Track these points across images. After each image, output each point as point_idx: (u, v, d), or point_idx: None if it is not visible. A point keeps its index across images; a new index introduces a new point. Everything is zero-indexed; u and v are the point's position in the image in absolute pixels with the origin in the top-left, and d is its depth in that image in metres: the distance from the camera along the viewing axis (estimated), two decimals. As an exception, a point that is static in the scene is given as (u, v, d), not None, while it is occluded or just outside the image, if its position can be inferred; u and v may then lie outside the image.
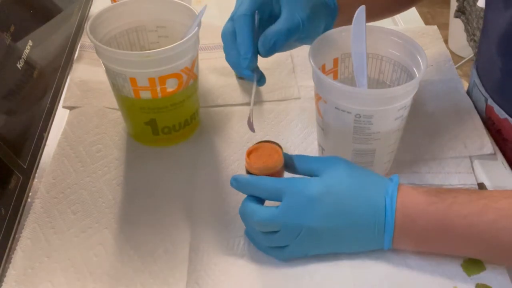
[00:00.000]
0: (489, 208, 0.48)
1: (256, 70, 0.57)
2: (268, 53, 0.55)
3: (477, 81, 0.71)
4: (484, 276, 0.51)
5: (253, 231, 0.53)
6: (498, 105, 0.67)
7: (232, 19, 0.56)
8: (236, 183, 0.53)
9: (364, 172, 0.53)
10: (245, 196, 0.53)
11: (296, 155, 0.54)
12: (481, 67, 0.72)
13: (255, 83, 0.56)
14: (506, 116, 0.66)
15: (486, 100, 0.69)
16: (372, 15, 0.62)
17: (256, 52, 0.55)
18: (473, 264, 0.52)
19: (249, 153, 0.54)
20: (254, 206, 0.51)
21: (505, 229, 0.47)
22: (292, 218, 0.50)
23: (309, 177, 0.52)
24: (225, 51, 0.57)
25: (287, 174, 0.54)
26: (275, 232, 0.51)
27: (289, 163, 0.54)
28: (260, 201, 0.52)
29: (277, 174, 0.53)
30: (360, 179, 0.52)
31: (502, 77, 0.65)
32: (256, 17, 0.55)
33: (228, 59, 0.57)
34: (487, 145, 0.65)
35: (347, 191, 0.50)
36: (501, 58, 0.64)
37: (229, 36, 0.56)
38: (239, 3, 0.56)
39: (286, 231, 0.50)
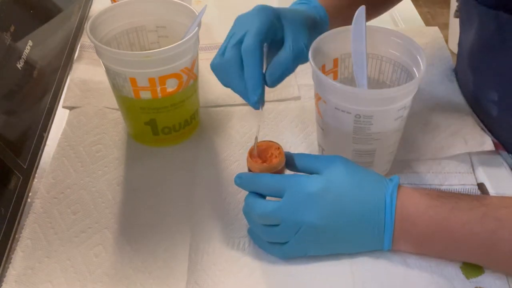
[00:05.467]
0: (489, 217, 0.48)
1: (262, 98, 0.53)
2: (274, 84, 0.53)
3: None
4: (483, 280, 0.51)
5: (255, 226, 0.53)
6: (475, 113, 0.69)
7: (233, 47, 0.52)
8: (240, 180, 0.53)
9: (365, 171, 0.53)
10: (246, 197, 0.53)
11: (297, 154, 0.54)
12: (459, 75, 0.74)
13: (261, 111, 0.53)
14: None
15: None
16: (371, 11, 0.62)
17: (264, 85, 0.52)
18: (472, 267, 0.52)
19: (250, 153, 0.54)
20: (256, 200, 0.52)
21: (504, 240, 0.47)
22: (292, 213, 0.50)
23: (310, 175, 0.52)
24: (228, 80, 0.54)
25: (288, 172, 0.54)
26: (276, 226, 0.51)
27: (290, 162, 0.54)
28: (263, 198, 0.53)
29: (278, 173, 0.53)
30: (361, 178, 0.52)
31: (475, 89, 0.67)
32: (265, 49, 0.52)
33: (234, 89, 0.54)
34: (488, 141, 0.64)
35: (348, 189, 0.50)
36: (471, 71, 0.66)
37: (234, 67, 0.52)
38: (239, 34, 0.52)
39: (286, 226, 0.50)
